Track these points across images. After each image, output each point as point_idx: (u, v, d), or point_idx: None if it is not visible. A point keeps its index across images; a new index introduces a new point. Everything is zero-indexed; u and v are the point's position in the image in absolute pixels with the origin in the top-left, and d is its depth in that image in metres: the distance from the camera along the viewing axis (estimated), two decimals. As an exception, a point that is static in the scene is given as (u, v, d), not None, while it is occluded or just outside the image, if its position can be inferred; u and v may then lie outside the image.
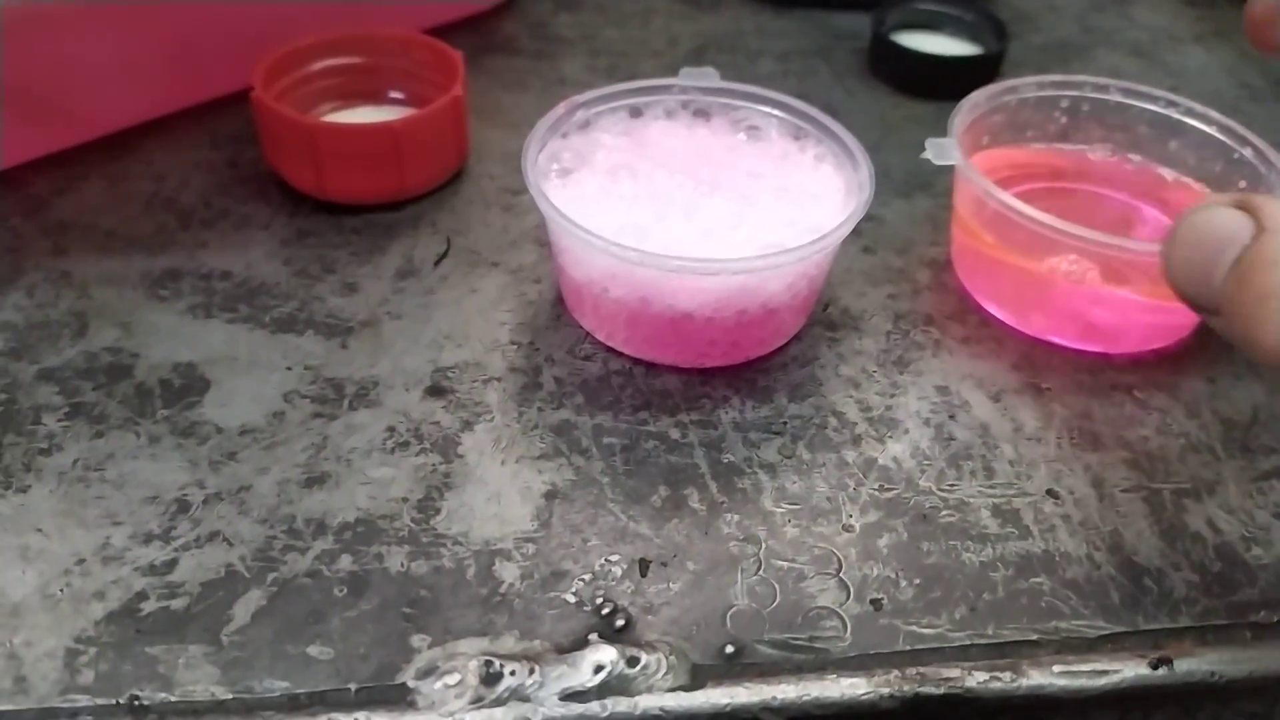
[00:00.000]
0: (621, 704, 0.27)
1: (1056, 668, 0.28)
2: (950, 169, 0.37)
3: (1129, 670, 0.28)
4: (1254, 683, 0.28)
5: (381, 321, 0.37)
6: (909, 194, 0.44)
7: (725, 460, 0.33)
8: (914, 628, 0.29)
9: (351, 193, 0.41)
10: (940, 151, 0.36)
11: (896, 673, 0.28)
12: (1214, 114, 0.38)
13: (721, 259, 0.32)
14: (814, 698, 0.27)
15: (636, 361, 0.36)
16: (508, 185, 0.43)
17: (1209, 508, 0.32)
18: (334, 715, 0.26)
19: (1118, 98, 0.40)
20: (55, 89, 0.41)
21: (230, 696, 0.26)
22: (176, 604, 0.28)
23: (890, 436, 0.34)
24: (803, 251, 0.32)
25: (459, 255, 0.40)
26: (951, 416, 0.34)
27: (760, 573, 0.30)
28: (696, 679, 0.27)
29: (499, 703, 0.26)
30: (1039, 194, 0.40)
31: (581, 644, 0.28)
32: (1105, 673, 0.28)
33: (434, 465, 0.32)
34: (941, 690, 0.27)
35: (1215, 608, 0.29)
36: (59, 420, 0.33)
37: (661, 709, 0.27)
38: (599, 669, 0.27)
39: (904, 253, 0.41)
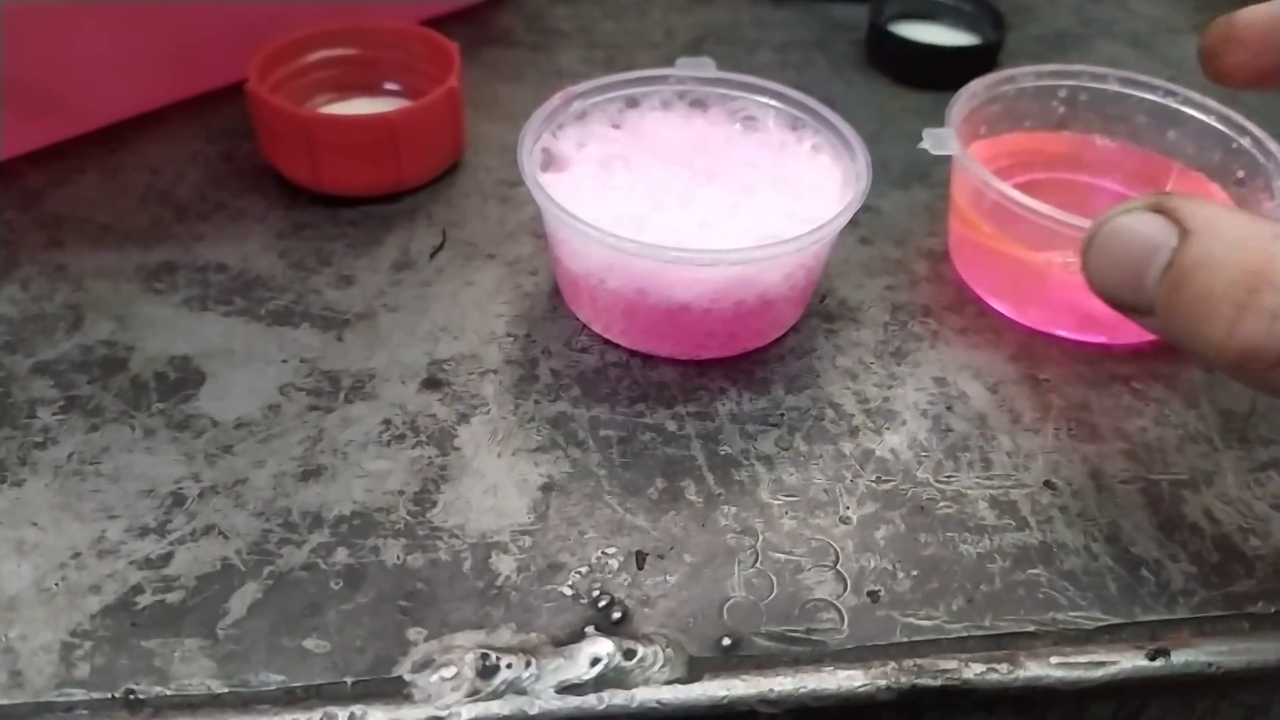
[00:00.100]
0: (618, 696, 0.27)
1: (1054, 659, 0.28)
2: (948, 159, 0.37)
3: (1126, 661, 0.28)
4: (1251, 674, 0.28)
5: (378, 314, 0.37)
6: (907, 184, 0.44)
7: (722, 452, 0.33)
8: (911, 619, 0.29)
9: (347, 185, 0.41)
10: (938, 142, 0.36)
11: (893, 664, 0.27)
12: (1212, 103, 0.38)
13: (718, 250, 0.32)
14: (811, 690, 0.27)
15: (633, 353, 0.36)
16: (504, 177, 0.43)
17: (1207, 499, 0.32)
18: (330, 708, 0.26)
19: (1115, 87, 0.40)
20: (50, 82, 0.41)
21: (226, 690, 0.26)
22: (172, 597, 0.28)
23: (887, 428, 0.34)
24: (800, 242, 0.32)
25: (455, 247, 0.40)
26: (949, 408, 0.34)
27: (757, 565, 0.30)
28: (693, 671, 0.27)
29: (495, 695, 0.26)
30: (1037, 184, 0.40)
31: (578, 637, 0.28)
32: (1102, 664, 0.28)
33: (430, 458, 0.32)
34: (939, 682, 0.27)
35: (1213, 599, 0.29)
36: (54, 414, 0.33)
37: (658, 702, 0.27)
38: (595, 661, 0.27)
39: (902, 243, 0.41)
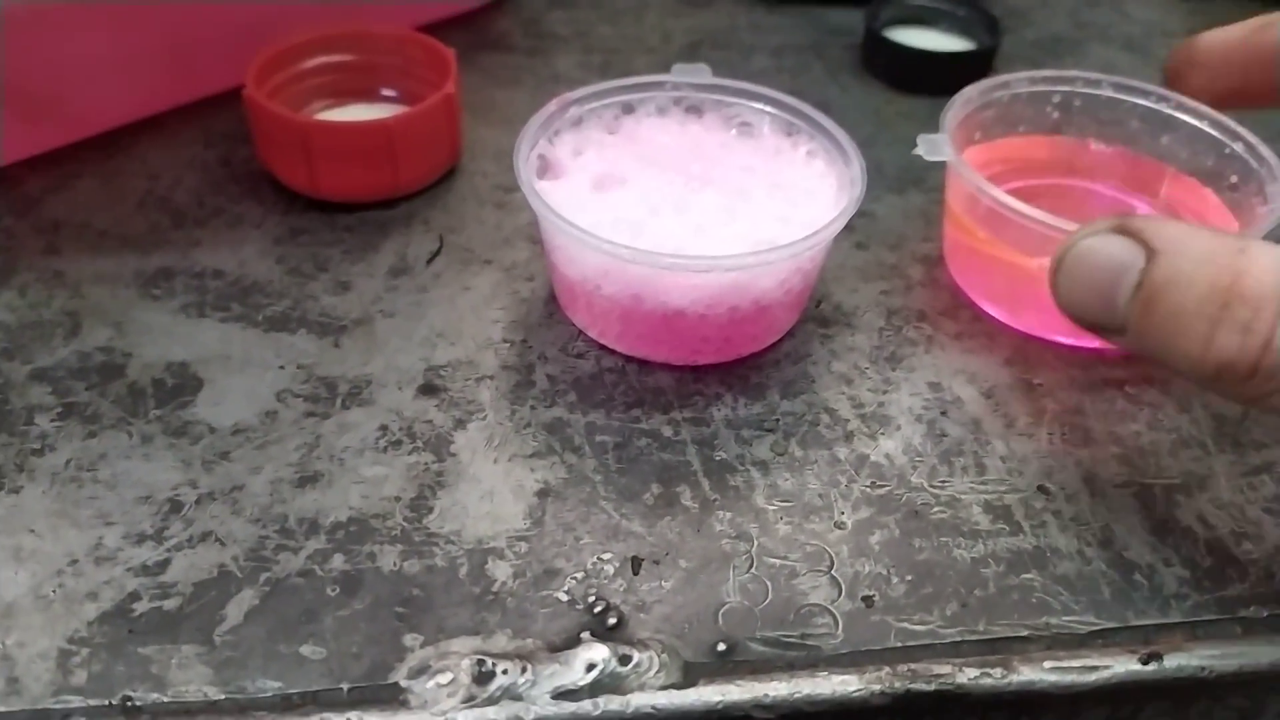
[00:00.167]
0: (614, 702, 0.27)
1: (1047, 664, 0.28)
2: (942, 165, 0.37)
3: (1119, 666, 0.28)
4: (1244, 677, 0.28)
5: (374, 320, 0.37)
6: (902, 189, 0.44)
7: (717, 458, 0.33)
8: (905, 624, 0.29)
9: (344, 191, 0.41)
10: (932, 148, 0.36)
11: (888, 669, 0.28)
12: (1205, 109, 0.38)
13: (713, 256, 0.32)
14: (805, 695, 0.27)
15: (629, 359, 0.36)
16: (501, 182, 0.43)
17: (1200, 503, 0.32)
18: (326, 715, 0.26)
19: (1109, 92, 0.40)
20: (49, 87, 0.41)
21: (223, 697, 0.26)
22: (169, 604, 0.28)
23: (882, 433, 0.34)
24: (795, 248, 0.32)
25: (452, 253, 0.40)
26: (943, 413, 0.34)
27: (752, 570, 0.30)
28: (688, 677, 0.27)
29: (491, 701, 0.26)
30: (1031, 190, 0.40)
31: (574, 642, 0.28)
32: (1096, 668, 0.28)
33: (426, 464, 0.32)
34: (933, 687, 0.27)
35: (1205, 603, 0.29)
36: (51, 420, 0.33)
37: (653, 707, 0.27)
38: (591, 667, 0.27)
39: (897, 248, 0.41)
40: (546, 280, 0.38)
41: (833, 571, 0.30)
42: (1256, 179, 0.37)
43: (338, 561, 0.29)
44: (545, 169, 0.37)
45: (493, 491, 0.31)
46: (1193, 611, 0.29)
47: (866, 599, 0.29)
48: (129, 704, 0.26)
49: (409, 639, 0.28)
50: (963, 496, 0.32)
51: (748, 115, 0.39)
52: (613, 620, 0.28)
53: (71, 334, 0.35)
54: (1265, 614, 0.29)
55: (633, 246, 0.32)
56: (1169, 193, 0.40)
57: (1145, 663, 0.28)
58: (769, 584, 0.30)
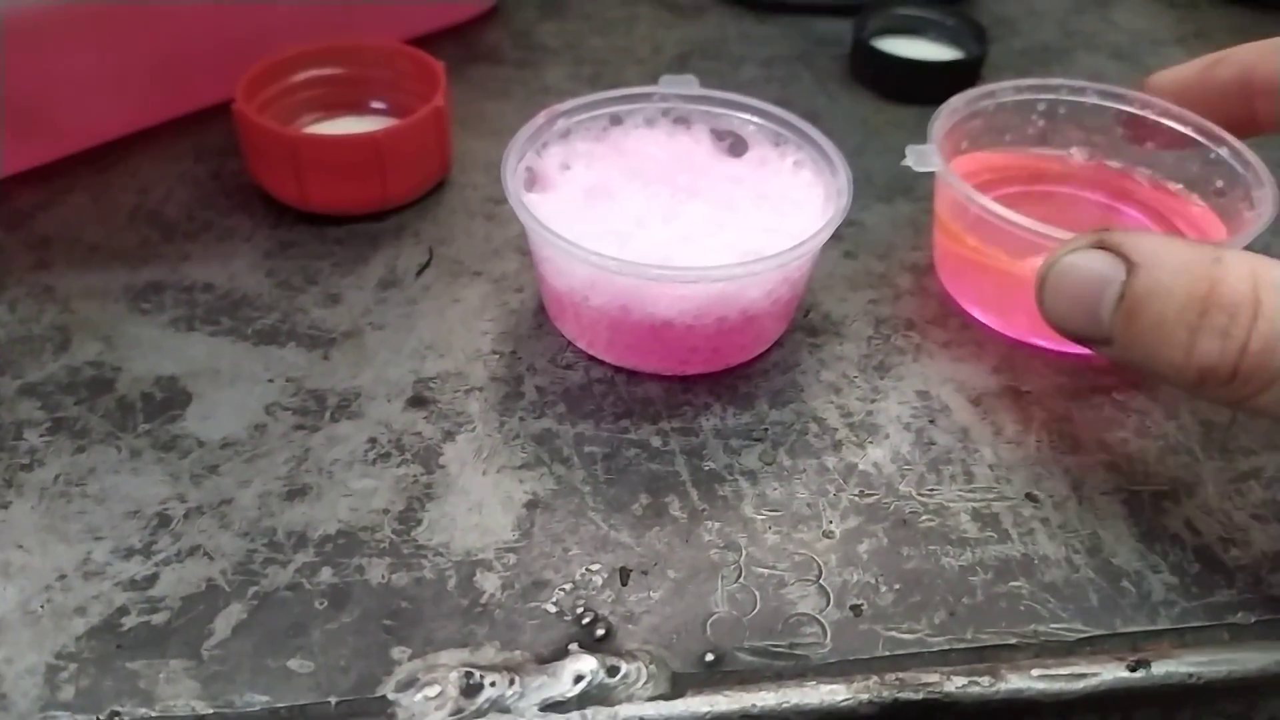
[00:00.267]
0: (602, 714, 0.27)
1: (1035, 671, 0.28)
2: (931, 174, 0.37)
3: (1107, 673, 0.28)
4: (1232, 684, 0.28)
5: (364, 332, 0.37)
6: (890, 198, 0.44)
7: (706, 468, 0.33)
8: (894, 633, 0.29)
9: (334, 203, 0.41)
10: (920, 158, 0.36)
11: (876, 678, 0.28)
12: (1189, 115, 0.38)
13: (701, 267, 0.32)
14: (794, 704, 0.27)
15: (618, 369, 0.36)
16: (490, 194, 0.43)
17: (1187, 509, 0.32)
18: (314, 728, 0.26)
19: (1094, 100, 0.40)
20: (39, 102, 0.41)
21: (211, 711, 0.26)
22: (157, 619, 0.28)
23: (871, 442, 0.34)
24: (782, 258, 0.32)
25: (441, 265, 0.40)
26: (932, 421, 0.35)
27: (741, 580, 0.30)
28: (676, 687, 0.27)
29: (479, 714, 0.26)
30: (1019, 197, 0.40)
31: (562, 654, 0.28)
32: (1084, 676, 0.28)
33: (415, 476, 0.32)
34: (921, 695, 0.27)
35: (1193, 609, 0.29)
36: (40, 435, 0.33)
37: (641, 718, 0.27)
38: (579, 679, 0.27)
39: (885, 257, 0.41)
40: (536, 292, 0.38)
41: (821, 581, 0.30)
42: (1243, 184, 0.37)
43: (326, 575, 0.29)
44: (533, 181, 0.37)
45: (481, 503, 0.31)
46: (1181, 618, 0.29)
47: (855, 608, 0.29)
48: (117, 719, 0.26)
49: (397, 652, 0.28)
50: (951, 505, 0.32)
51: (735, 125, 0.39)
52: (601, 631, 0.28)
53: (61, 348, 0.35)
54: (1253, 620, 0.29)
55: (620, 258, 0.32)
56: (1156, 199, 0.40)
57: (1133, 670, 0.28)
58: (757, 594, 0.30)
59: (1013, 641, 0.29)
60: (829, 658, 0.28)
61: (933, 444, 0.34)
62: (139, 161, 0.44)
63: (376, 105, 0.45)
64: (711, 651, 0.28)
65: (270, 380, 0.35)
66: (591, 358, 0.36)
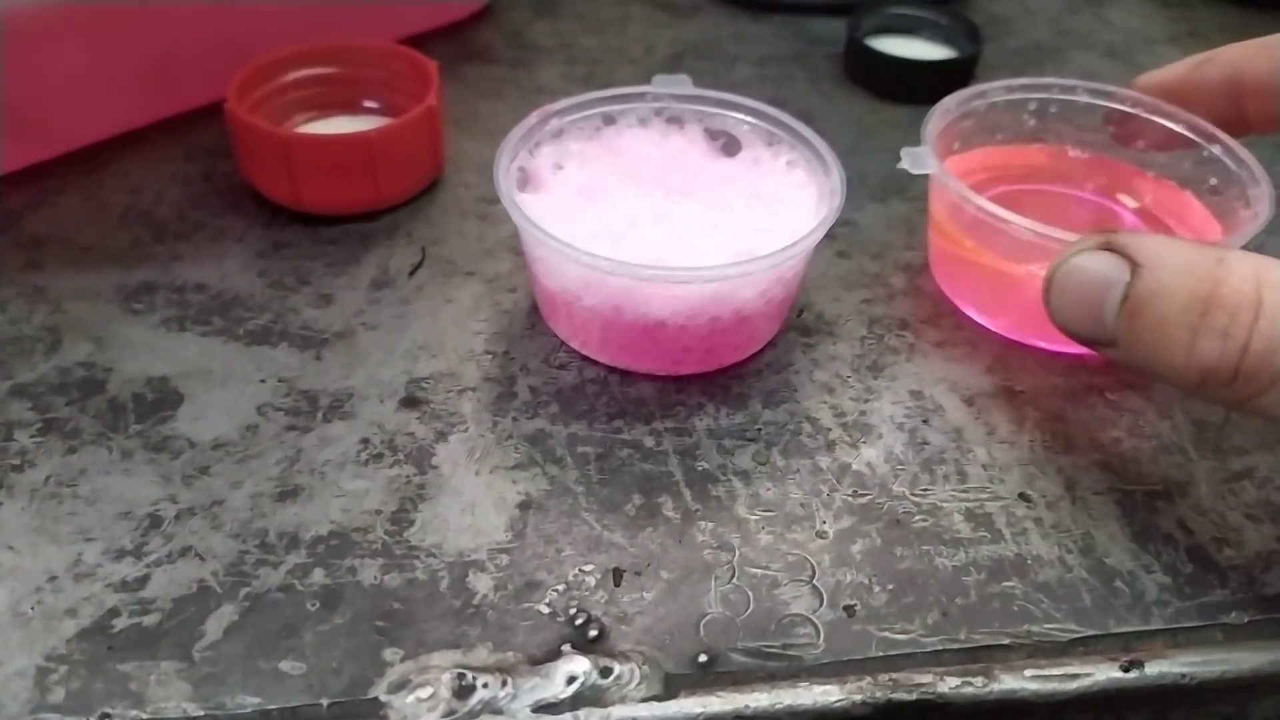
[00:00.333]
0: (595, 715, 0.27)
1: (1029, 671, 0.28)
2: (925, 174, 0.37)
3: (1101, 673, 0.28)
4: (1226, 684, 0.28)
5: (356, 332, 0.37)
6: (884, 198, 0.44)
7: (699, 468, 0.33)
8: (887, 633, 0.29)
9: (327, 203, 0.41)
10: (916, 161, 0.36)
11: (869, 679, 0.28)
12: (1181, 112, 0.38)
13: (694, 267, 0.32)
14: (787, 705, 0.27)
15: (611, 370, 0.36)
16: (483, 194, 0.43)
17: (1181, 509, 0.32)
18: (306, 730, 0.26)
19: (1085, 98, 0.40)
20: (30, 103, 0.41)
21: (202, 713, 0.26)
22: (148, 620, 0.28)
23: (864, 442, 0.34)
24: (775, 259, 0.32)
25: (434, 265, 0.40)
26: (925, 421, 0.35)
27: (734, 580, 0.30)
28: (669, 689, 0.27)
29: (472, 715, 0.26)
30: (1014, 196, 0.40)
31: (554, 655, 0.28)
32: (1077, 676, 0.28)
33: (408, 477, 0.32)
34: (914, 696, 0.27)
35: (1186, 610, 0.29)
36: (31, 436, 0.33)
37: (635, 719, 0.27)
38: (572, 680, 0.27)
39: (879, 257, 0.41)
40: (529, 292, 0.38)
41: (814, 581, 0.30)
42: (1238, 182, 0.37)
43: (318, 576, 0.29)
44: (526, 181, 0.37)
45: (474, 504, 0.31)
46: (1174, 618, 0.29)
47: (848, 608, 0.29)
48: (107, 721, 0.26)
49: (389, 653, 0.28)
50: (944, 505, 0.32)
51: (728, 125, 0.39)
52: (594, 632, 0.28)
53: (52, 349, 0.35)
54: (1246, 620, 0.29)
55: (613, 258, 0.32)
56: (1150, 197, 0.40)
57: (1126, 670, 0.28)
58: (750, 594, 0.29)
59: (1006, 642, 0.29)
60: (822, 658, 0.28)
61: (926, 444, 0.34)
62: (130, 162, 0.44)
63: (369, 105, 0.45)
64: (705, 652, 0.28)
65: (262, 381, 0.35)
66: (584, 358, 0.36)
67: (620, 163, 0.38)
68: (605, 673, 0.27)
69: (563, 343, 0.36)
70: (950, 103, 0.38)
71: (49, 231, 0.40)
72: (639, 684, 0.27)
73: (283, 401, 0.34)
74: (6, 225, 0.40)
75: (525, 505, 0.31)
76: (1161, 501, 0.32)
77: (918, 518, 0.32)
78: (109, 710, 0.26)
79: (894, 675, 0.28)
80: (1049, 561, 0.31)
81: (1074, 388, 0.36)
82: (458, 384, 0.35)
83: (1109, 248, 0.27)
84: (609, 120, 0.39)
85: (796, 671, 0.28)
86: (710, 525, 0.31)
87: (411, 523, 0.31)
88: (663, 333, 0.34)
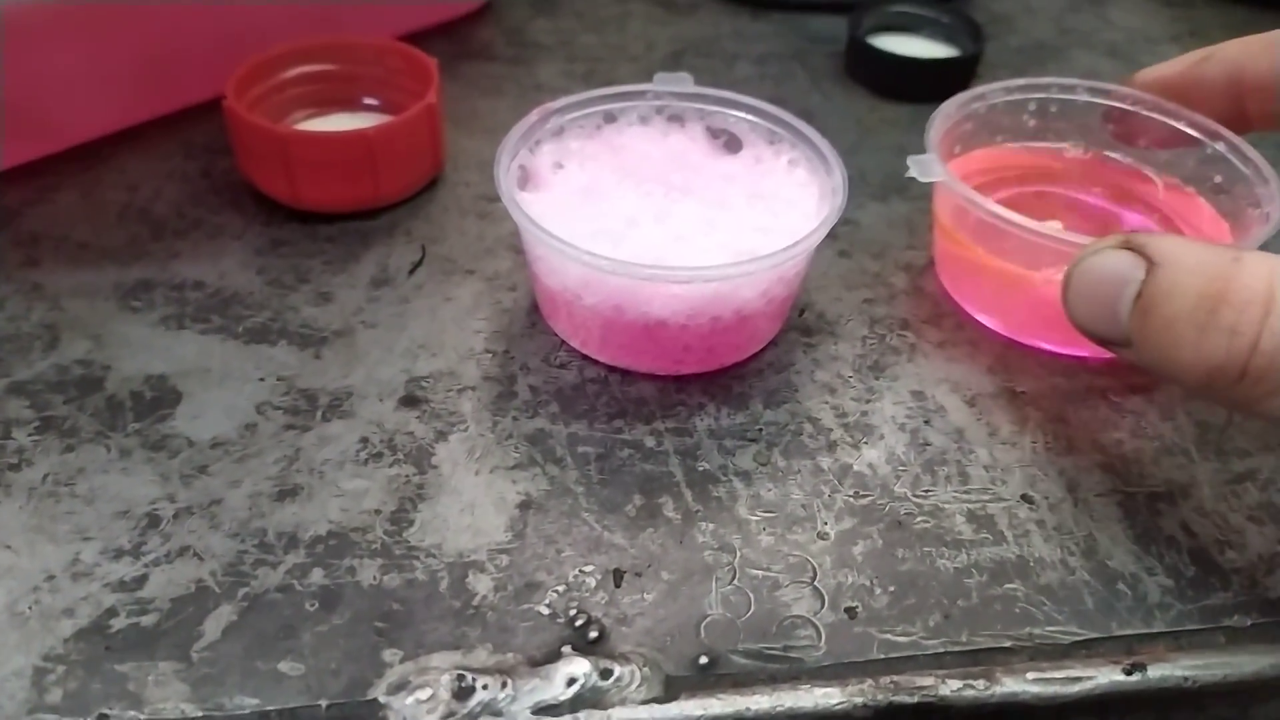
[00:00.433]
0: (595, 717, 0.27)
1: (1030, 674, 0.28)
2: (925, 173, 0.37)
3: (1103, 676, 0.28)
4: (1228, 687, 0.28)
5: (355, 331, 0.36)
6: (885, 197, 0.44)
7: (700, 468, 0.33)
8: (888, 636, 0.29)
9: (326, 201, 0.41)
10: (924, 169, 0.36)
11: (870, 682, 0.27)
12: (1183, 110, 0.38)
13: (695, 266, 0.32)
14: (788, 708, 0.27)
15: (612, 369, 0.35)
16: (483, 192, 0.43)
17: (1183, 511, 0.32)
18: (305, 732, 0.26)
19: (1085, 97, 0.40)
20: (28, 99, 0.41)
21: (200, 714, 0.26)
22: (146, 620, 0.28)
23: (865, 442, 0.34)
24: (776, 258, 0.32)
25: (434, 263, 0.39)
26: (927, 421, 0.34)
27: (735, 582, 0.30)
28: (670, 691, 0.27)
29: (471, 717, 0.26)
30: (1017, 199, 0.40)
31: (554, 656, 0.28)
32: (1079, 679, 0.28)
33: (407, 476, 0.32)
34: (915, 699, 0.27)
35: (1189, 612, 0.29)
36: (29, 435, 0.32)
37: (635, 721, 0.27)
38: (572, 681, 0.27)
39: (880, 256, 0.41)
40: (529, 290, 0.38)
41: (815, 583, 0.30)
42: (1245, 181, 0.36)
43: (317, 576, 0.29)
44: (526, 179, 0.37)
45: (474, 504, 0.31)
46: (1176, 621, 0.29)
47: (849, 610, 0.29)
48: (105, 722, 0.26)
49: (388, 654, 0.27)
50: (946, 506, 0.32)
51: (729, 124, 0.39)
52: (594, 634, 0.28)
53: (50, 347, 0.35)
54: (1249, 623, 0.29)
55: (613, 257, 0.31)
56: (1153, 196, 0.40)
57: (1129, 673, 0.28)
58: (751, 596, 0.29)
59: (1008, 644, 0.28)
60: (823, 660, 0.28)
61: (928, 445, 0.34)
62: (128, 159, 0.43)
63: (368, 102, 0.44)
64: (705, 654, 0.28)
65: (261, 379, 0.34)
66: (585, 357, 0.36)
67: (621, 161, 0.38)
68: (605, 674, 0.27)
69: (563, 342, 0.36)
70: (951, 107, 0.38)
71: (47, 228, 0.40)
72: (639, 686, 0.27)
73: (281, 400, 0.34)
74: (4, 222, 0.40)
75: (525, 505, 0.31)
76: (1164, 504, 0.32)
77: (919, 519, 0.31)
78: (106, 711, 0.26)
79: (895, 678, 0.28)
80: (1051, 563, 0.30)
81: (1076, 389, 0.36)
82: (457, 383, 0.35)
83: (1127, 246, 0.27)
84: (610, 118, 0.39)
85: (797, 674, 0.28)
86: (711, 526, 0.31)
87: (411, 523, 0.31)
88: (663, 332, 0.34)
